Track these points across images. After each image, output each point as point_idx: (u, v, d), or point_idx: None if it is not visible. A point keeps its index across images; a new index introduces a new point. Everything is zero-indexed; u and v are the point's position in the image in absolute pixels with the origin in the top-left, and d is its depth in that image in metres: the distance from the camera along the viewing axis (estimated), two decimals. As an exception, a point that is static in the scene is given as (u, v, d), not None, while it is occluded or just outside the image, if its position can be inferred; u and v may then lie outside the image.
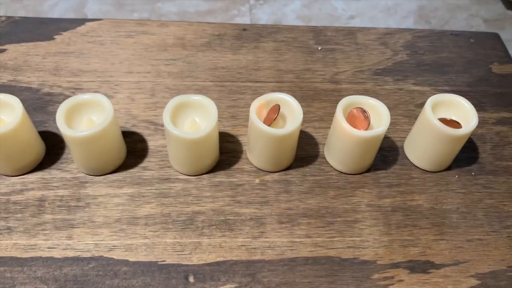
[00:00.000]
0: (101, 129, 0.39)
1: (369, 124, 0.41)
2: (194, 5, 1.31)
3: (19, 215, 0.41)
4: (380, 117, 0.42)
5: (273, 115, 0.42)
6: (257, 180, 0.44)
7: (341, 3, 1.38)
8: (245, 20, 1.30)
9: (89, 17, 1.22)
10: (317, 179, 0.45)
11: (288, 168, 0.45)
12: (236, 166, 0.45)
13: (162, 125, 0.47)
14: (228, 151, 0.46)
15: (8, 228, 0.40)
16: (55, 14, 1.24)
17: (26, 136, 0.41)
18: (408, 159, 0.47)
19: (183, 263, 0.39)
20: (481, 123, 0.50)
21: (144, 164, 0.45)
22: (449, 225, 0.43)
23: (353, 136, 0.41)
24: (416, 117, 0.49)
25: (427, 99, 0.44)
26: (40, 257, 0.39)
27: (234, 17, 1.30)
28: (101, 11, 1.26)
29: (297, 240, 0.41)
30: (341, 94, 0.51)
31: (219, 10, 1.32)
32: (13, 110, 0.40)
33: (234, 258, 0.40)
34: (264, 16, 1.32)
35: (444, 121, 0.42)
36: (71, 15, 1.23)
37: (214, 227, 0.41)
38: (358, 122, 0.42)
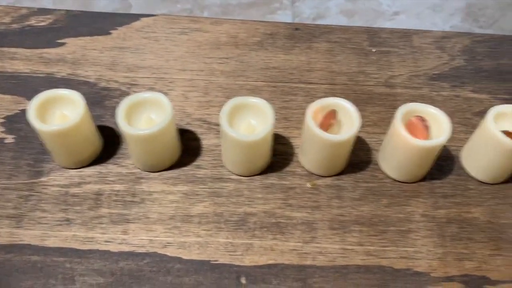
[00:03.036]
0: (160, 128, 0.39)
1: (428, 133, 0.41)
2: (236, -3, 1.31)
3: (77, 208, 0.42)
4: (439, 126, 0.41)
5: (330, 120, 0.41)
6: (308, 184, 0.44)
7: (386, -2, 1.35)
8: (287, 13, 1.29)
9: (134, 7, 1.24)
10: (370, 186, 0.44)
11: (341, 173, 0.45)
12: (287, 169, 0.45)
13: (215, 124, 0.48)
14: (279, 153, 0.46)
15: (67, 219, 0.42)
16: (101, 4, 1.26)
17: (87, 131, 0.42)
18: (464, 169, 0.46)
19: (235, 263, 0.40)
20: (543, 134, 0.48)
21: (198, 162, 0.45)
22: (506, 240, 0.42)
23: (412, 145, 0.40)
24: (473, 126, 0.48)
25: (485, 107, 0.43)
26: (98, 250, 0.40)
27: (276, 10, 1.29)
28: (145, 2, 1.27)
29: (349, 247, 0.41)
30: (396, 99, 0.50)
31: (261, 3, 1.31)
32: (76, 105, 0.42)
33: (285, 262, 0.40)
34: (306, 10, 1.30)
35: (507, 133, 0.41)
36: (117, 6, 1.25)
37: (265, 229, 0.42)
38: (418, 131, 0.41)
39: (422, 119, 0.41)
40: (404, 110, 0.41)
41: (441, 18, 1.32)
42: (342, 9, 1.32)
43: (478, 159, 0.43)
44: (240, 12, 1.29)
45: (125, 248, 0.40)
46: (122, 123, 0.40)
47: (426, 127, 0.41)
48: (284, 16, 1.19)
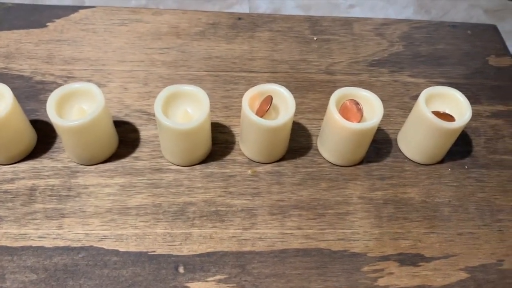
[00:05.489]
0: (92, 119, 0.39)
1: (362, 116, 0.41)
2: (192, -7, 1.30)
3: (9, 204, 0.41)
4: (373, 109, 0.42)
5: (266, 106, 0.41)
6: (249, 171, 0.44)
7: (341, -8, 1.36)
8: (243, 8, 1.29)
9: (87, 4, 1.21)
10: (309, 171, 0.45)
11: (281, 159, 0.45)
12: (228, 157, 0.45)
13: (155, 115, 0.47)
14: (220, 142, 0.46)
15: (-1, 217, 0.40)
16: (54, 0, 1.22)
17: (17, 125, 0.41)
18: (401, 152, 0.47)
19: (174, 253, 0.39)
20: (476, 116, 0.50)
21: (136, 154, 0.45)
22: (440, 218, 0.43)
23: (346, 128, 0.40)
24: (410, 110, 0.49)
25: (422, 91, 0.44)
26: (31, 247, 0.39)
27: (232, 5, 1.29)
28: (98, -2, 1.24)
29: (288, 232, 0.41)
30: (336, 86, 0.51)
31: (217, -3, 1.30)
32: (4, 98, 0.40)
33: (225, 249, 0.40)
34: (263, 5, 1.31)
35: (437, 114, 0.42)
36: (69, 2, 1.22)
37: (205, 218, 0.41)
38: (351, 114, 0.41)
39: (355, 103, 0.42)
40: (338, 94, 0.42)
41: (394, 10, 1.35)
42: (298, 3, 1.33)
43: (412, 140, 0.44)
44: (197, 7, 1.28)
45: (60, 243, 0.39)
46: (52, 115, 0.39)
47: (360, 110, 0.41)
48: (241, 11, 1.19)
